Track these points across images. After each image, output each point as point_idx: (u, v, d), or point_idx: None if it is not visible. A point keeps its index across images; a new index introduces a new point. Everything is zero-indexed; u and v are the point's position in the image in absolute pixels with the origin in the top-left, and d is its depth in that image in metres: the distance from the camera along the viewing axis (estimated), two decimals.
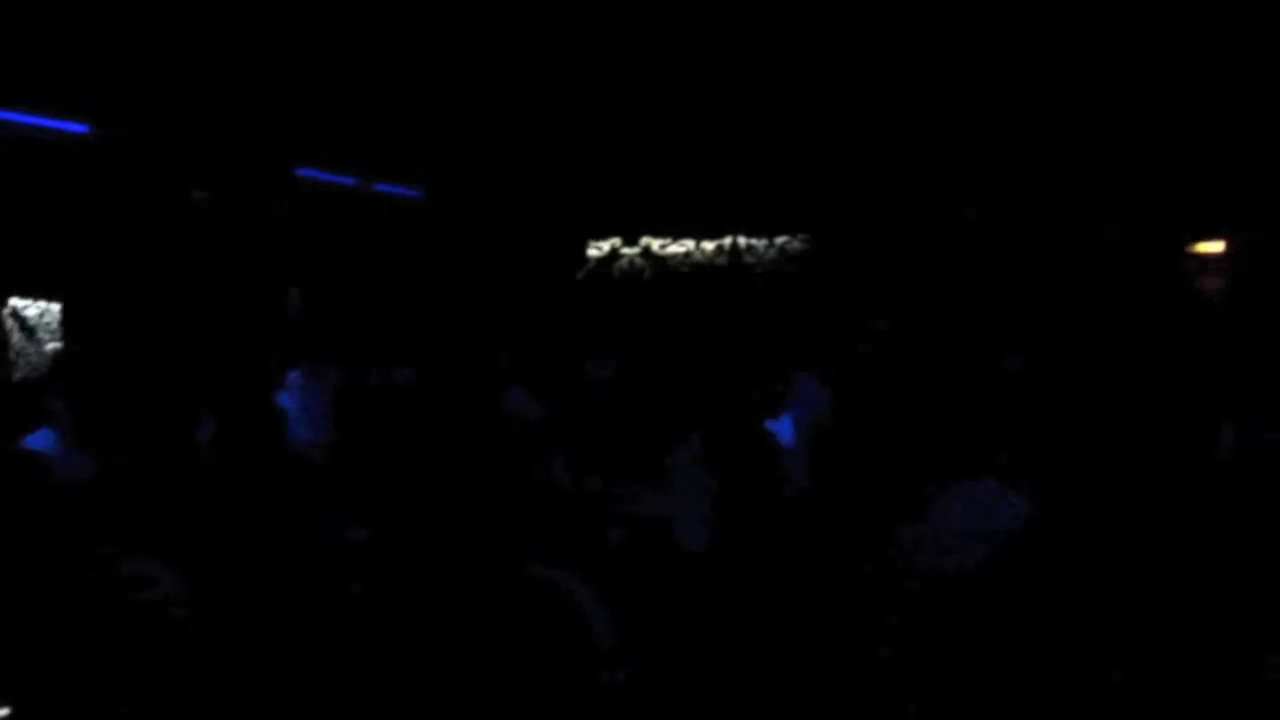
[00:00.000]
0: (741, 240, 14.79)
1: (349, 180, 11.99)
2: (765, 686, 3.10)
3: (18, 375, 9.64)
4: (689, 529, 3.50)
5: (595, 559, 2.95)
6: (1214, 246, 11.89)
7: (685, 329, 11.96)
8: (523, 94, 11.35)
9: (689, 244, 14.83)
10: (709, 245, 14.84)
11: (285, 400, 6.97)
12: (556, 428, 5.61)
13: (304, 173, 11.31)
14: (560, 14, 10.11)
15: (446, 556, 2.73)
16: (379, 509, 3.78)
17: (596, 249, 14.95)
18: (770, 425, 5.53)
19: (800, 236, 14.63)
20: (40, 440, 5.21)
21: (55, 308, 10.16)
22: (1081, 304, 10.40)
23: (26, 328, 9.96)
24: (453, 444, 4.69)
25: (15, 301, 9.87)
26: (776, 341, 10.06)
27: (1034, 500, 3.53)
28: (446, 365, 9.12)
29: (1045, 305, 10.53)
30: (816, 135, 12.36)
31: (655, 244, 14.87)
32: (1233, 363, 6.44)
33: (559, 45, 10.64)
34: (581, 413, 6.04)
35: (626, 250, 14.94)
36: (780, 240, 14.73)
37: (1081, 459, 4.32)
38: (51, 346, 10.06)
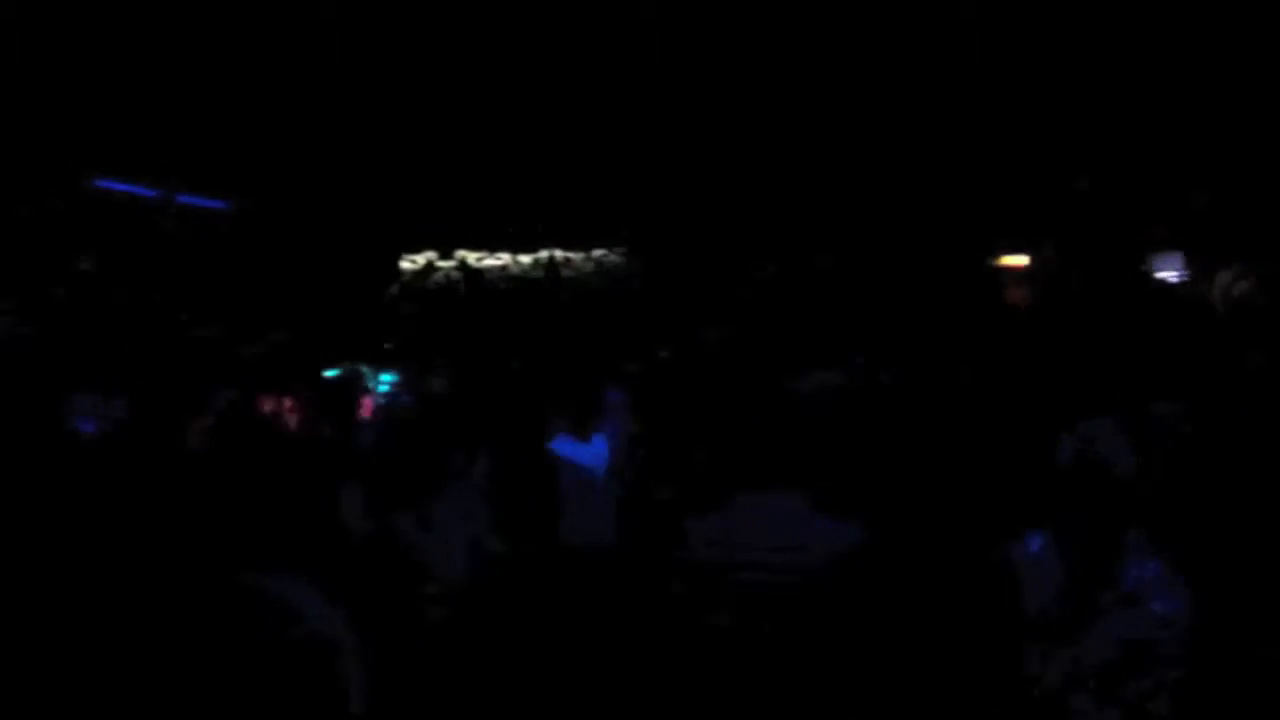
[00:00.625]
0: (559, 253, 14.79)
1: (150, 192, 11.53)
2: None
3: None
4: (451, 558, 3.47)
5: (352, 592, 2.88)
6: (1018, 260, 12.33)
7: (499, 345, 11.87)
8: (334, 102, 11.12)
9: (505, 257, 14.76)
10: (526, 259, 14.79)
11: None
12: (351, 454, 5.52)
13: (103, 184, 10.83)
14: (373, 21, 9.96)
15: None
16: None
17: (411, 262, 14.74)
18: (576, 445, 5.52)
19: (617, 250, 14.71)
20: None
21: None
22: (896, 317, 10.66)
23: None
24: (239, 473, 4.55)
25: None
26: (590, 356, 10.08)
27: (843, 520, 3.56)
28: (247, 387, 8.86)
29: (859, 318, 10.78)
30: (632, 148, 12.42)
31: (471, 257, 14.75)
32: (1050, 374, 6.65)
33: (370, 52, 10.47)
34: (379, 437, 5.95)
35: (442, 264, 14.78)
36: (597, 253, 14.78)
37: (895, 478, 4.42)
38: None
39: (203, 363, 9.41)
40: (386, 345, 11.94)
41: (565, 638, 3.48)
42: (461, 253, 14.72)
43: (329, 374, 9.03)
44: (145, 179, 11.40)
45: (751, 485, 3.54)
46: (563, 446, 5.27)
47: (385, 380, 9.07)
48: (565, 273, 14.71)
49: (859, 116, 11.15)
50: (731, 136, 12.07)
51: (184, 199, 12.10)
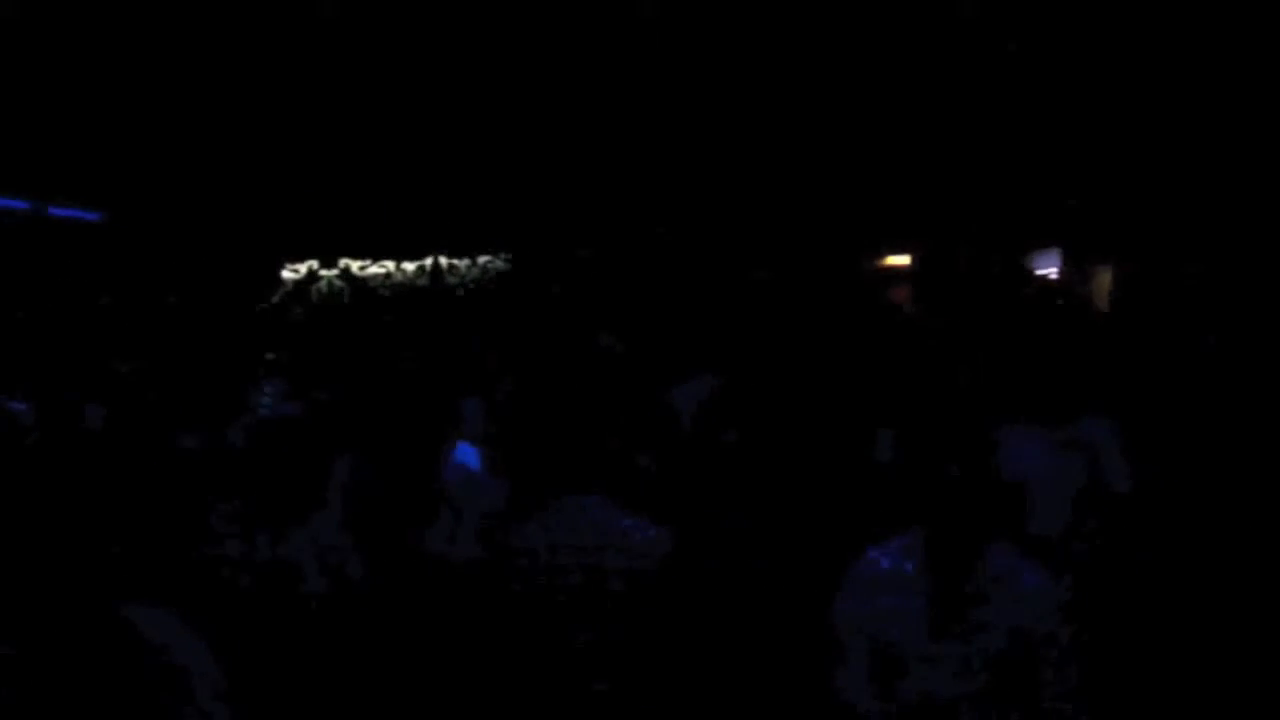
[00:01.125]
0: (444, 260, 14.83)
1: (19, 204, 11.32)
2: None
3: None
4: (317, 568, 3.51)
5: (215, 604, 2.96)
6: (901, 259, 12.63)
7: (381, 353, 11.86)
8: (211, 109, 11.01)
9: (389, 265, 14.76)
10: (410, 266, 14.80)
11: None
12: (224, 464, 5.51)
13: None
14: (251, 26, 9.87)
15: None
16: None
17: (293, 271, 14.68)
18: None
19: (503, 255, 14.78)
20: None
21: None
22: (761, 317, 10.84)
23: None
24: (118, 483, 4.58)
25: None
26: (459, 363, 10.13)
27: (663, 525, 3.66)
28: (126, 398, 8.77)
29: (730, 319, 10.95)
30: (516, 156, 12.48)
31: (354, 265, 14.72)
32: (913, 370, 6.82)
33: (245, 57, 10.38)
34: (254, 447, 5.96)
35: (325, 272, 14.73)
36: (483, 260, 14.85)
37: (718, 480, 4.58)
38: None
39: (79, 377, 9.30)
40: (269, 355, 11.87)
41: (421, 649, 3.59)
42: (344, 261, 14.70)
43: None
44: (14, 191, 11.21)
45: (569, 489, 3.62)
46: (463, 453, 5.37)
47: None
48: (450, 279, 14.76)
49: (735, 111, 11.31)
50: (614, 140, 12.19)
51: (57, 211, 11.91)
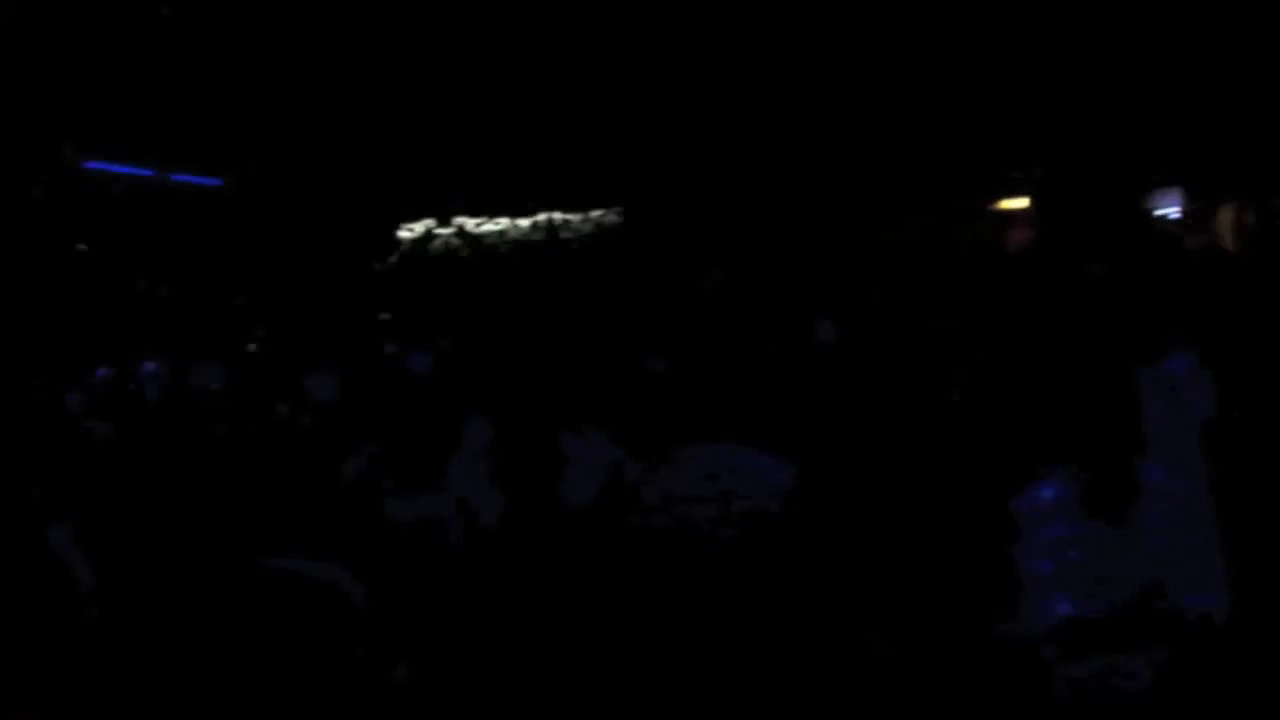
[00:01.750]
0: (557, 216, 14.78)
1: (145, 171, 11.54)
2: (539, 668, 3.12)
3: None
4: (460, 524, 3.50)
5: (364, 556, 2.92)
6: (1019, 202, 12.26)
7: (503, 310, 11.92)
8: (327, 75, 11.11)
9: (504, 222, 14.75)
10: (524, 223, 14.78)
11: None
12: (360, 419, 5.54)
13: (94, 165, 10.86)
14: None
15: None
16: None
17: (409, 231, 14.76)
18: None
19: (615, 210, 14.68)
20: None
21: None
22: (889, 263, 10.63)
23: None
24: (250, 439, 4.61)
25: None
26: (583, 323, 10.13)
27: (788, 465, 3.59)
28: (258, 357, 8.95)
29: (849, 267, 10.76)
30: (630, 108, 12.37)
31: (470, 224, 14.75)
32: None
33: (360, 20, 10.43)
34: (388, 403, 5.99)
35: (441, 231, 14.79)
36: (596, 214, 14.76)
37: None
38: None
39: (206, 342, 9.50)
40: (385, 316, 12.02)
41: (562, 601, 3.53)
42: (460, 219, 14.73)
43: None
44: (140, 159, 11.43)
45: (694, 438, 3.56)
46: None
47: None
48: (564, 235, 14.71)
49: (847, 64, 11.08)
50: (727, 93, 12.01)
51: (179, 178, 12.13)
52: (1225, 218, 10.79)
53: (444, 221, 14.75)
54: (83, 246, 11.28)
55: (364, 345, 8.79)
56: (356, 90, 11.48)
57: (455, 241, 14.77)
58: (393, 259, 14.62)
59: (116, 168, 11.15)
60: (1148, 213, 11.50)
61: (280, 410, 5.82)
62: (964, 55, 10.45)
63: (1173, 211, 11.55)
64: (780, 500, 3.45)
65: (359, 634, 2.44)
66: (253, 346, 9.34)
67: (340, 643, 2.37)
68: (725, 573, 3.39)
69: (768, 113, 11.95)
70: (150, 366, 7.85)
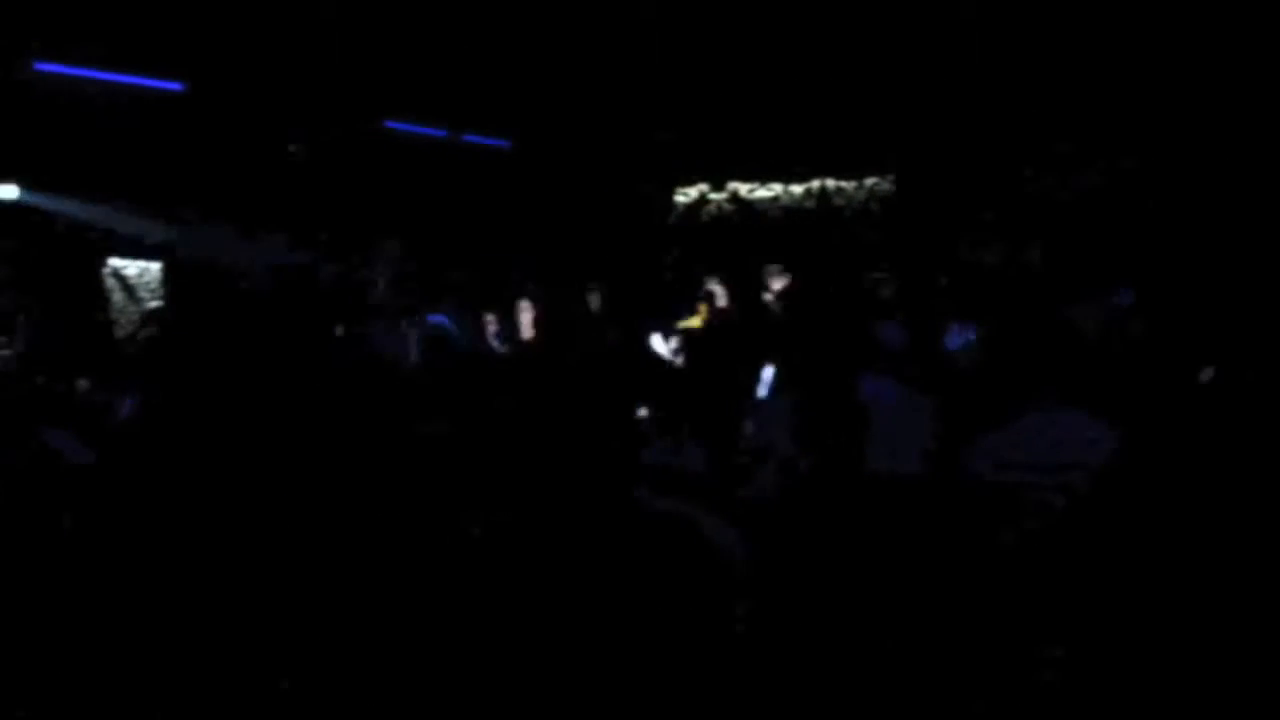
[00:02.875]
0: (830, 183, 14.66)
1: (438, 132, 12.06)
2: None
3: (119, 334, 9.92)
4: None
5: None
6: None
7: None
8: (608, 40, 11.31)
9: (777, 188, 14.73)
10: (797, 189, 14.72)
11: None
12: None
13: (393, 125, 11.40)
14: None
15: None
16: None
17: (683, 195, 14.93)
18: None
19: (889, 177, 14.46)
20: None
21: (155, 267, 10.43)
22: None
23: (126, 287, 10.23)
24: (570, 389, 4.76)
25: (115, 261, 10.14)
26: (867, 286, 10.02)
27: (1116, 432, 3.52)
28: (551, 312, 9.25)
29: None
30: (905, 74, 12.15)
31: (743, 189, 14.80)
32: None
33: None
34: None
35: (714, 196, 14.90)
36: (869, 182, 14.57)
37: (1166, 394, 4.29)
38: (151, 305, 10.34)
39: (489, 292, 9.89)
40: (667, 274, 12.21)
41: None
42: (733, 184, 14.80)
43: None
44: (433, 119, 11.93)
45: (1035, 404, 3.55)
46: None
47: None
48: (837, 202, 14.58)
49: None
50: (1007, 61, 11.64)
51: (469, 138, 12.61)
52: None
53: (718, 186, 14.85)
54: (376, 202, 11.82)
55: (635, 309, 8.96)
56: (639, 56, 11.65)
57: (728, 206, 14.85)
58: (669, 220, 14.83)
59: (410, 127, 11.66)
60: None
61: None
62: None
63: None
64: (1109, 469, 3.41)
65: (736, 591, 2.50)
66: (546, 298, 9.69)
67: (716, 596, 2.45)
68: (1053, 542, 3.35)
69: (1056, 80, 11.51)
70: (437, 314, 8.26)
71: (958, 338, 6.49)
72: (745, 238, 14.46)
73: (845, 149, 13.70)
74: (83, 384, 6.34)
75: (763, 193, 14.78)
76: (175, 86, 8.92)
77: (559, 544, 2.50)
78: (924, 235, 12.74)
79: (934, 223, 12.90)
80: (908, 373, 5.77)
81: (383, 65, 10.36)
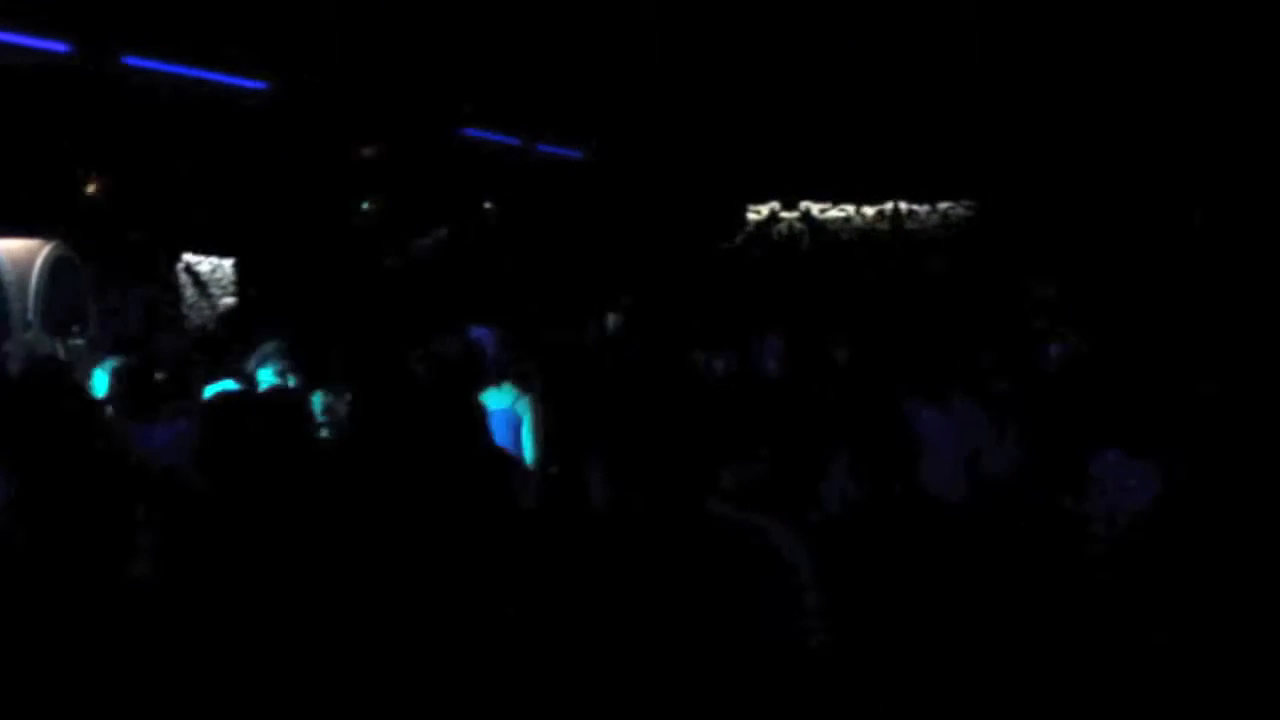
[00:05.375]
0: (903, 206, 14.57)
1: (513, 140, 12.10)
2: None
3: (188, 327, 10.01)
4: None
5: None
6: None
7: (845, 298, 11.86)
8: (687, 54, 11.31)
9: (849, 209, 14.66)
10: (869, 210, 14.64)
11: None
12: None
13: (469, 132, 11.45)
14: None
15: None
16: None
17: (755, 213, 14.89)
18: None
19: (964, 203, 14.35)
20: None
21: (228, 263, 10.55)
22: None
23: (199, 283, 10.35)
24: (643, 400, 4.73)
25: (188, 257, 10.26)
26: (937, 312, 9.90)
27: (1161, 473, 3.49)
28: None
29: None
30: (981, 99, 12.05)
31: (815, 209, 14.74)
32: None
33: (721, 4, 10.57)
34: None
35: (785, 214, 14.84)
36: (943, 206, 14.47)
37: (1209, 432, 4.19)
38: (224, 301, 10.46)
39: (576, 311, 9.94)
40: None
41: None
42: (805, 203, 14.74)
43: None
44: (509, 128, 11.97)
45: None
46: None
47: None
48: (909, 225, 14.49)
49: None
50: (1082, 91, 11.53)
51: (544, 148, 12.65)
52: None
53: (789, 205, 14.80)
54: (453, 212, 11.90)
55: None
56: (717, 71, 11.65)
57: (799, 225, 14.79)
58: (738, 239, 14.80)
59: (488, 135, 11.74)
60: None
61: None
62: None
63: None
64: (1151, 511, 3.38)
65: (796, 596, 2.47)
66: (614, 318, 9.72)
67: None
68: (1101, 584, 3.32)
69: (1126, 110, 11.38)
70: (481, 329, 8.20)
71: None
72: (815, 256, 14.42)
73: (920, 171, 13.60)
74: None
75: (834, 213, 14.71)
76: (254, 86, 9.01)
77: (628, 554, 2.48)
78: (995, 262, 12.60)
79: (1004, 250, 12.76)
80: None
81: (460, 71, 10.41)
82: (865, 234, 14.59)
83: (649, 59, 11.21)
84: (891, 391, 5.07)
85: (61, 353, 8.28)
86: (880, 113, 12.46)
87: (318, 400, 4.94)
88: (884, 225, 14.56)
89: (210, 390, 4.78)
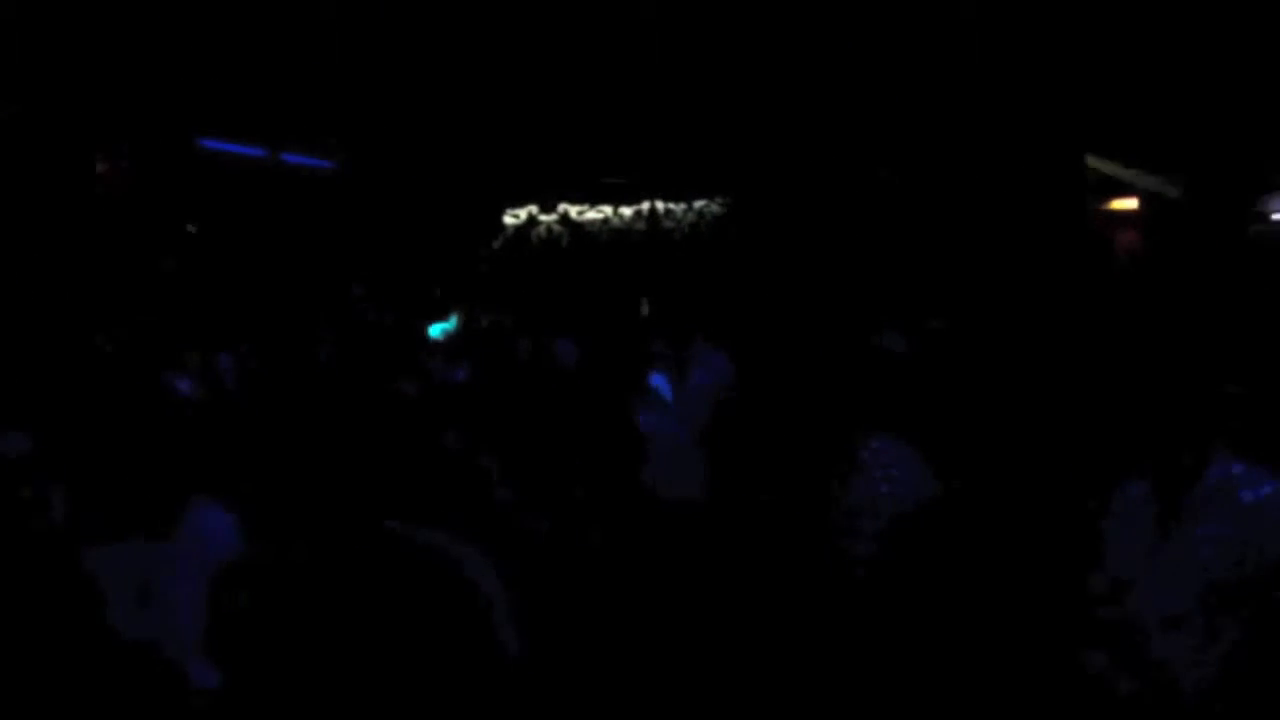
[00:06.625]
0: (660, 205, 14.76)
1: (257, 151, 11.74)
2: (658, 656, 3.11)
3: None
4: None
5: (482, 526, 2.92)
6: (1128, 203, 11.98)
7: (602, 293, 11.92)
8: (437, 61, 11.19)
9: (607, 210, 14.78)
10: (627, 211, 14.79)
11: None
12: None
13: (209, 144, 11.06)
14: None
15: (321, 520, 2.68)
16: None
17: (514, 217, 14.86)
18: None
19: (718, 200, 14.63)
20: None
21: None
22: (995, 269, 10.45)
23: None
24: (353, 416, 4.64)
25: None
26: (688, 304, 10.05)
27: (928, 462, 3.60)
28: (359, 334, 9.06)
29: (957, 270, 10.59)
30: (729, 99, 12.30)
31: (573, 211, 14.80)
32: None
33: (472, 9, 10.49)
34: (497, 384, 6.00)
35: (544, 217, 14.86)
36: (699, 204, 14.72)
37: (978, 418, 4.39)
38: None
39: (319, 318, 9.66)
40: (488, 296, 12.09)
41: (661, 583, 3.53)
42: (563, 206, 14.79)
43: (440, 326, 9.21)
44: (253, 139, 11.62)
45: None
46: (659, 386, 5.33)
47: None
48: (666, 224, 14.69)
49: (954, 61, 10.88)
50: (825, 85, 11.89)
51: (290, 158, 12.31)
52: None
53: (547, 208, 14.83)
54: (191, 227, 11.52)
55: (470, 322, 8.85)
56: (469, 78, 11.56)
57: (558, 228, 14.83)
58: (496, 244, 14.73)
59: (230, 147, 11.35)
60: (1262, 215, 11.16)
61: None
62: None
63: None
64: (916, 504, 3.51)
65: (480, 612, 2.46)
66: (358, 319, 9.48)
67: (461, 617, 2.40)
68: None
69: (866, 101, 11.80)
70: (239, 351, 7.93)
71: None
72: (575, 257, 14.48)
73: (675, 171, 13.80)
74: None
75: (592, 214, 14.81)
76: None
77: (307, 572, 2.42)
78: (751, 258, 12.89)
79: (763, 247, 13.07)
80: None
81: (196, 78, 10.04)
82: (623, 233, 14.73)
83: (401, 66, 11.05)
84: (619, 392, 5.06)
85: None
86: (634, 115, 12.59)
87: None
88: (641, 225, 14.73)
89: None
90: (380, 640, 2.23)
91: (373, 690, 2.17)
